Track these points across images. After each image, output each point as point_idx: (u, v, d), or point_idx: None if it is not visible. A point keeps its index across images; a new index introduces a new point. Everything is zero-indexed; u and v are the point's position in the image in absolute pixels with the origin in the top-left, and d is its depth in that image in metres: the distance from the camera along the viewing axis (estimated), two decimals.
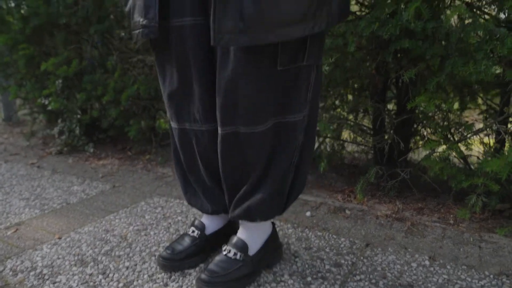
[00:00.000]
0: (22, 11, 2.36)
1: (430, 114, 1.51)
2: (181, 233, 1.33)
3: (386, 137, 1.65)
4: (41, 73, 2.51)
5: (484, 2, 1.39)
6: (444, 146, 1.42)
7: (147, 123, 2.23)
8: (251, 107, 0.88)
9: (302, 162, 1.00)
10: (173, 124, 1.05)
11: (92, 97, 2.36)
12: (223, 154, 0.96)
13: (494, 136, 1.47)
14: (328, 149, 1.94)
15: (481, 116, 1.68)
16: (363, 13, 1.71)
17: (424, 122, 1.58)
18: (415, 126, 1.71)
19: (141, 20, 0.89)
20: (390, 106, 1.82)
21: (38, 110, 2.84)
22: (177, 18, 0.91)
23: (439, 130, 1.47)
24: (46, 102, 2.41)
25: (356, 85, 1.84)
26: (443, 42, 1.33)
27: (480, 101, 1.72)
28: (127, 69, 2.24)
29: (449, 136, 1.51)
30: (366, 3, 1.69)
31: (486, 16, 1.41)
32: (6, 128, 3.39)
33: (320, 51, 0.95)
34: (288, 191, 1.02)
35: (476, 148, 1.54)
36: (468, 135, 1.40)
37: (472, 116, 1.80)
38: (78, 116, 2.46)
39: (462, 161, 1.54)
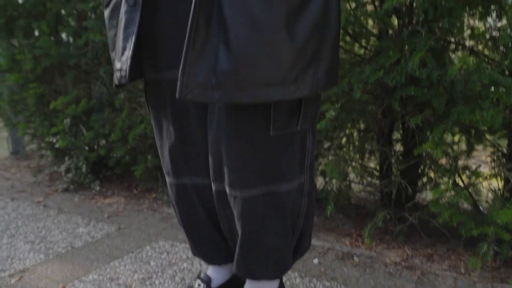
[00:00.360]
0: (34, 51, 2.42)
1: (437, 159, 1.50)
2: (187, 282, 1.30)
3: (393, 178, 1.64)
4: (50, 111, 2.55)
5: (488, 50, 1.40)
6: (452, 192, 1.41)
7: (153, 162, 2.24)
8: (236, 171, 0.84)
9: (307, 226, 0.98)
10: (171, 180, 1.01)
11: (100, 135, 2.39)
12: (217, 207, 0.95)
13: (503, 183, 1.45)
14: (335, 189, 1.93)
15: (489, 159, 1.67)
16: (367, 56, 1.74)
17: (432, 166, 1.57)
18: (421, 167, 1.70)
19: (117, 63, 0.86)
20: (397, 147, 1.82)
21: (45, 146, 2.87)
22: (172, 70, 0.85)
23: (447, 174, 1.46)
24: (54, 140, 2.44)
25: (362, 126, 1.84)
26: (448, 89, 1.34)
27: (487, 142, 1.71)
28: (134, 108, 2.27)
29: (457, 180, 1.49)
30: (369, 47, 1.71)
31: (490, 61, 1.42)
32: (13, 162, 3.42)
33: (316, 114, 0.90)
34: (294, 249, 0.99)
35: (485, 186, 1.51)
36: (476, 183, 1.38)
37: (479, 154, 1.79)
38: (86, 153, 2.47)
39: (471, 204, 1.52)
